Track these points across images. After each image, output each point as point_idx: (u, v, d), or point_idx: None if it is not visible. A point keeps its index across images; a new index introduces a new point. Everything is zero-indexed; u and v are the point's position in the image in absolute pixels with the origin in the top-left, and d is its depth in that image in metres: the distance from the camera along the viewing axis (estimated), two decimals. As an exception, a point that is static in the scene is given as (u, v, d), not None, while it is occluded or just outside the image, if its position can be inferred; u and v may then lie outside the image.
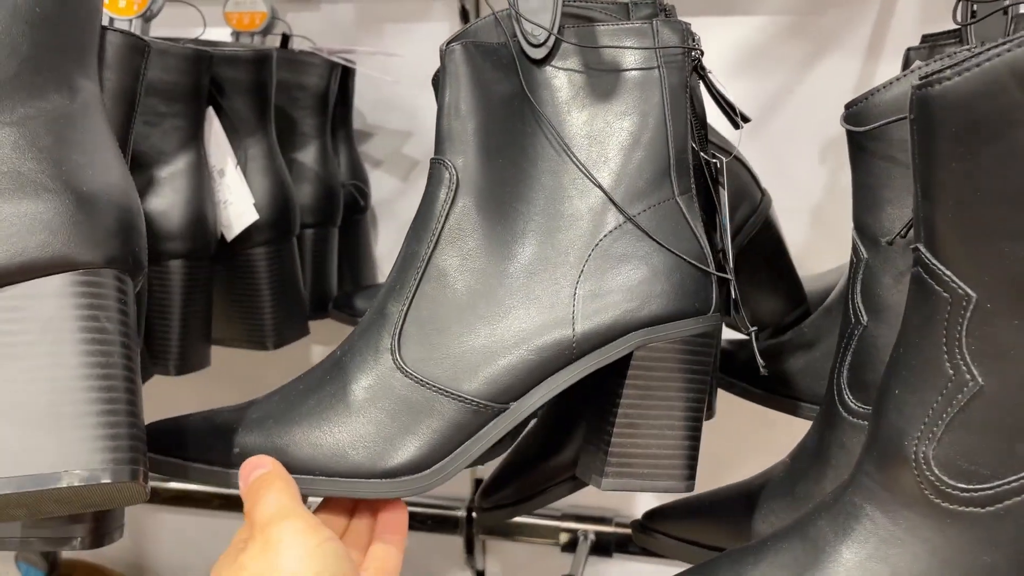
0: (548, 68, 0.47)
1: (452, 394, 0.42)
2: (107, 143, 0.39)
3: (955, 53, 0.43)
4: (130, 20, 0.63)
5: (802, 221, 0.82)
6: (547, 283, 0.44)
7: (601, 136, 0.46)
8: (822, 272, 0.71)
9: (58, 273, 0.35)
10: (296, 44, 0.83)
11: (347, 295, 0.78)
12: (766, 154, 0.82)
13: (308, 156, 0.76)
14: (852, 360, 0.46)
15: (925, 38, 0.58)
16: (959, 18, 0.53)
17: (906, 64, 0.57)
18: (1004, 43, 0.34)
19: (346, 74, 0.82)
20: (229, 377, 0.76)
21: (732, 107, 0.50)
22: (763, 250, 0.62)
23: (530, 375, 0.42)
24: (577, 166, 0.45)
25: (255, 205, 0.65)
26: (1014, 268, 0.33)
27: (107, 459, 0.32)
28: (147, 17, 0.64)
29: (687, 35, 0.47)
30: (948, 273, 0.35)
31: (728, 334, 0.68)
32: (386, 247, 0.92)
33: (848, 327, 0.47)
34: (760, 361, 0.47)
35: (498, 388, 0.42)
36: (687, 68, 0.47)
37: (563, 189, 0.46)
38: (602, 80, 0.47)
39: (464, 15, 0.85)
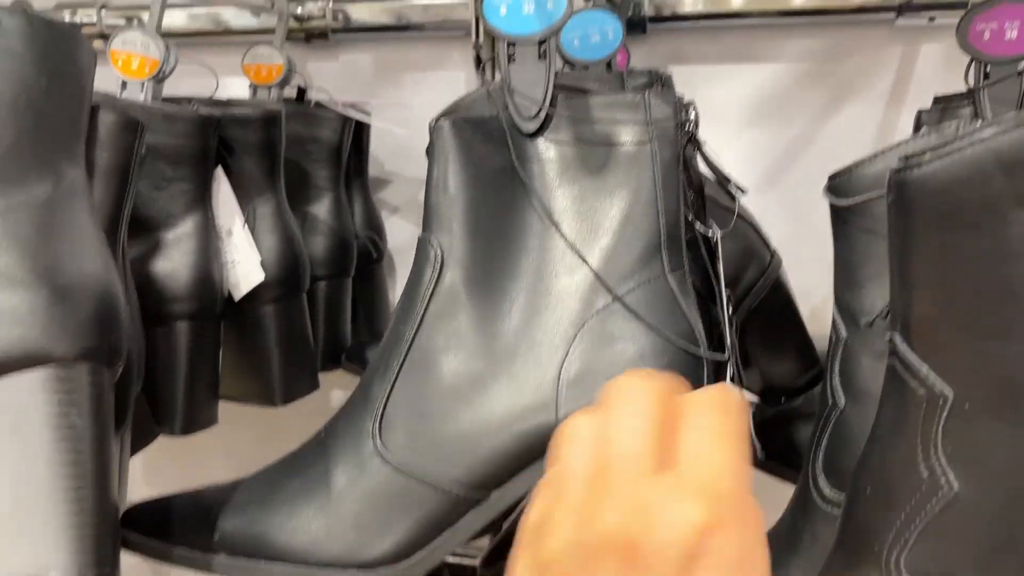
0: (539, 141, 0.46)
1: (431, 484, 0.41)
2: (88, 231, 0.39)
3: (949, 126, 0.42)
4: (143, 83, 0.64)
5: (821, 272, 0.79)
6: (532, 365, 0.43)
7: (590, 212, 0.45)
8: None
9: (32, 367, 0.35)
10: (314, 92, 0.84)
11: (359, 347, 0.78)
12: (784, 204, 0.80)
13: (321, 209, 0.77)
14: (828, 444, 0.45)
15: (937, 99, 0.56)
16: (971, 81, 0.51)
17: (917, 127, 0.56)
18: (992, 125, 0.33)
19: (361, 125, 0.82)
20: (238, 428, 0.76)
21: (727, 180, 0.49)
22: (773, 312, 0.60)
23: (511, 464, 0.42)
24: (565, 243, 0.45)
25: (262, 264, 0.65)
26: (995, 368, 0.32)
27: (71, 562, 0.32)
28: (159, 79, 0.65)
29: (680, 108, 0.46)
30: (924, 368, 0.33)
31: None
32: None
33: (825, 408, 0.45)
34: (756, 443, 0.46)
35: (478, 478, 0.42)
36: (680, 142, 0.46)
37: (551, 266, 0.45)
38: (593, 154, 0.46)
39: (479, 63, 0.85)
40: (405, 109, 0.84)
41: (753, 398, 0.66)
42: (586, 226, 0.45)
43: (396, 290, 0.91)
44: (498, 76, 0.51)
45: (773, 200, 0.80)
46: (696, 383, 0.45)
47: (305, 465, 0.43)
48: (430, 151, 0.47)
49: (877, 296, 0.43)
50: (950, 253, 0.31)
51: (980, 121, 0.39)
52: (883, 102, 0.76)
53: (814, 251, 0.81)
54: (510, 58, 0.46)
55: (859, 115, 0.76)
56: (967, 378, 0.32)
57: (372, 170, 0.88)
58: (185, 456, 0.80)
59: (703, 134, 0.80)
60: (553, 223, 0.45)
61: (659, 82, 0.48)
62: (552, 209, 0.45)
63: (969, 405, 0.32)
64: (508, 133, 0.47)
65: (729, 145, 0.81)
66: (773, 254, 0.61)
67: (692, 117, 0.47)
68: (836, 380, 0.46)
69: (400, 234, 0.90)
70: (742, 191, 0.51)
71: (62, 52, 0.40)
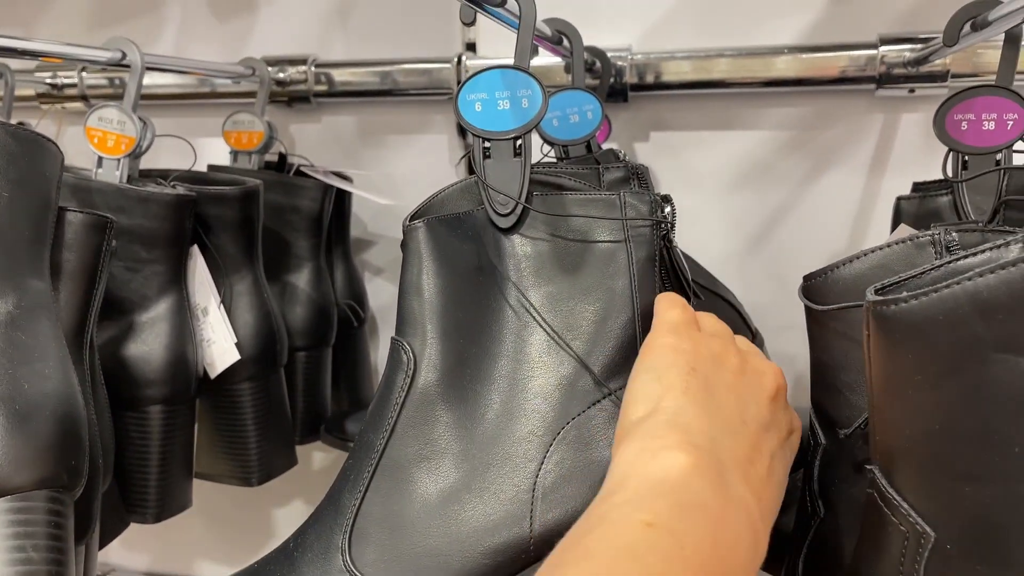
0: (515, 237, 0.46)
1: None
2: (50, 348, 0.38)
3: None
4: (118, 159, 0.64)
5: (804, 339, 0.79)
6: (506, 475, 0.42)
7: (568, 311, 0.45)
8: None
9: (-13, 499, 0.34)
10: (295, 159, 0.83)
11: (339, 418, 0.77)
12: (766, 269, 0.80)
13: (301, 279, 0.76)
14: (807, 553, 0.44)
15: (916, 187, 0.56)
16: (949, 171, 0.51)
17: (896, 214, 0.55)
18: (968, 262, 0.32)
19: (342, 191, 0.82)
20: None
21: (688, 283, 0.49)
22: (755, 394, 0.59)
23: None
24: (548, 333, 0.44)
25: (238, 344, 0.64)
26: (977, 511, 0.31)
27: None
28: (135, 155, 0.65)
29: (656, 206, 0.46)
30: (904, 506, 0.32)
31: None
32: (385, 356, 0.91)
33: (804, 516, 0.44)
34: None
35: None
36: (656, 241, 0.46)
37: (528, 366, 0.44)
38: (569, 251, 0.45)
39: (462, 129, 0.85)
40: (387, 177, 0.84)
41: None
42: (568, 321, 0.44)
43: (378, 353, 0.90)
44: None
45: (756, 266, 0.80)
46: None
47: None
48: (404, 251, 0.47)
49: (855, 404, 0.42)
50: (928, 392, 0.31)
51: (950, 238, 0.38)
52: (864, 170, 0.76)
53: (798, 316, 0.81)
54: (485, 154, 0.45)
55: (841, 182, 0.76)
56: (949, 519, 0.31)
57: (355, 231, 0.87)
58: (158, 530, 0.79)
59: (686, 201, 0.80)
60: (533, 317, 0.45)
61: (635, 176, 0.47)
62: (533, 303, 0.45)
63: (951, 547, 0.31)
64: (484, 229, 0.46)
65: (711, 211, 0.80)
66: (756, 333, 0.60)
67: (667, 213, 0.46)
68: (815, 487, 0.45)
69: (382, 295, 0.89)
70: (699, 297, 0.51)
71: (26, 162, 0.39)
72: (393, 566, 0.40)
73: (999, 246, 0.32)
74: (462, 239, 0.46)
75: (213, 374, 0.64)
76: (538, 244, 0.46)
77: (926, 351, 0.30)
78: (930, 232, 0.39)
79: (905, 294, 0.30)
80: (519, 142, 0.46)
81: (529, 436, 0.43)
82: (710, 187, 0.80)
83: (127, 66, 0.62)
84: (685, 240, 0.79)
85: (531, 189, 0.46)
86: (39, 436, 0.35)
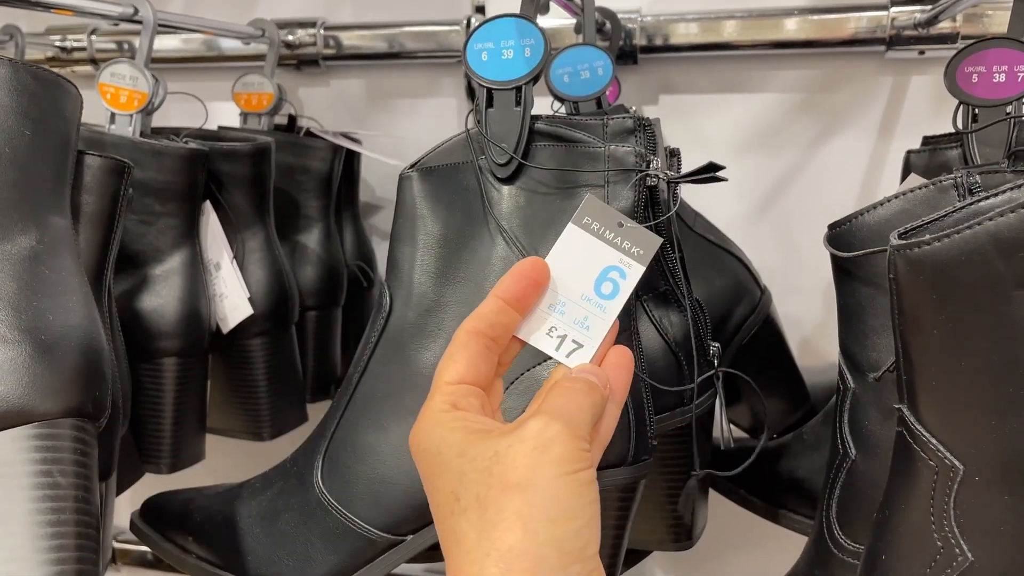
0: (511, 186, 0.47)
1: (354, 522, 0.44)
2: (73, 282, 0.39)
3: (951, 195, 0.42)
4: (131, 115, 0.64)
5: (813, 302, 0.80)
6: None
7: None
8: (832, 363, 0.69)
9: (14, 426, 0.34)
10: (304, 121, 0.83)
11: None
12: (775, 232, 0.80)
13: (311, 239, 0.76)
14: (841, 494, 0.44)
15: (926, 140, 0.56)
16: (959, 123, 0.51)
17: (906, 167, 0.56)
18: (988, 199, 0.32)
19: (352, 153, 0.82)
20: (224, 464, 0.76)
21: (675, 241, 0.49)
22: (763, 349, 0.60)
23: (426, 510, 0.43)
24: None
25: (251, 299, 0.65)
26: (1003, 442, 0.31)
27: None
28: (148, 111, 0.65)
29: (642, 158, 0.45)
30: (933, 441, 0.33)
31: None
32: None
33: (836, 458, 0.45)
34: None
35: (394, 520, 0.44)
36: (638, 192, 0.45)
37: None
38: (556, 202, 0.46)
39: (471, 91, 0.85)
40: (396, 138, 0.84)
41: (742, 434, 0.66)
42: None
43: (387, 317, 0.91)
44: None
45: (765, 228, 0.80)
46: (619, 454, 0.44)
47: (267, 487, 0.47)
48: (397, 199, 0.48)
49: (883, 348, 0.43)
50: (953, 331, 0.31)
51: (972, 180, 0.39)
52: (873, 132, 0.76)
53: (805, 279, 0.81)
54: (489, 102, 0.46)
55: (849, 145, 0.77)
56: (976, 452, 0.32)
57: (363, 195, 0.88)
58: (172, 482, 0.80)
59: (695, 163, 0.81)
60: (523, 251, 0.45)
61: (641, 128, 0.47)
62: (517, 252, 0.46)
63: (980, 478, 0.32)
64: (481, 178, 0.47)
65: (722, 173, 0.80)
66: (763, 290, 0.61)
67: (657, 166, 0.46)
68: (846, 430, 0.45)
69: (391, 260, 0.90)
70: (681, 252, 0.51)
71: (47, 102, 0.39)
72: (351, 488, 0.45)
73: (1019, 186, 0.32)
74: (456, 188, 0.47)
75: (226, 329, 0.65)
76: (530, 194, 0.46)
77: (950, 291, 0.31)
78: (952, 175, 0.39)
79: (927, 236, 0.31)
80: (520, 92, 0.46)
81: None
82: (719, 150, 0.80)
83: (139, 21, 0.62)
84: (695, 203, 0.79)
85: (532, 139, 0.46)
86: (64, 366, 0.36)
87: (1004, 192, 0.32)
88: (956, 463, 0.32)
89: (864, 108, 0.76)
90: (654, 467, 0.45)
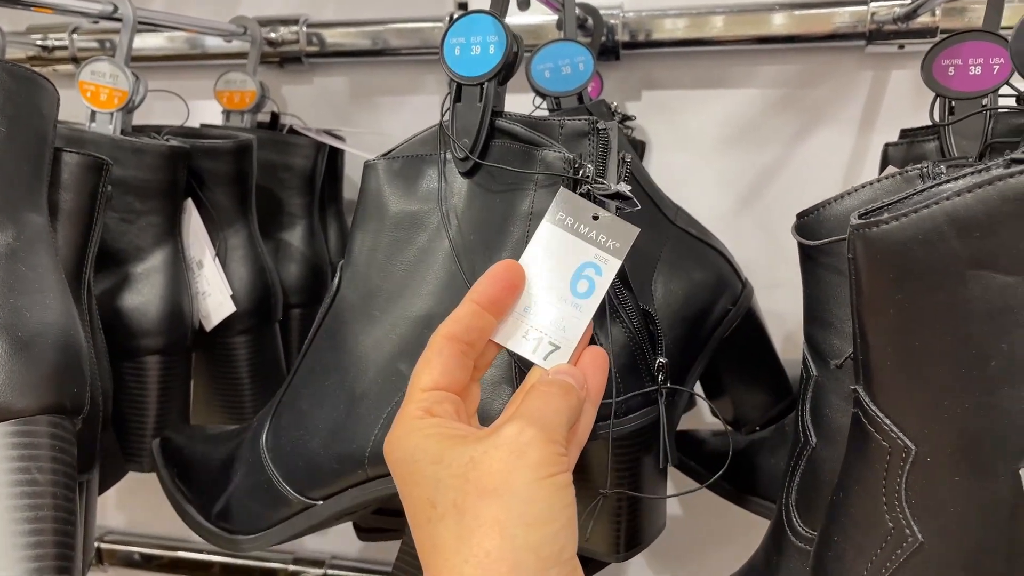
0: (466, 182, 0.47)
1: (279, 482, 0.48)
2: (50, 279, 0.39)
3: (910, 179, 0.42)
4: (111, 113, 0.64)
5: (796, 296, 0.79)
6: (374, 396, 0.46)
7: (484, 258, 0.46)
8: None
9: (-10, 423, 0.34)
10: (287, 118, 0.83)
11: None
12: (758, 226, 0.80)
13: (295, 236, 0.76)
14: (800, 482, 0.45)
15: (904, 133, 0.56)
16: (936, 116, 0.52)
17: (884, 159, 0.56)
18: (948, 182, 0.33)
19: (335, 150, 0.82)
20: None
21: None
22: (745, 342, 0.60)
23: (334, 481, 0.47)
24: (463, 279, 0.46)
25: (233, 296, 0.65)
26: (956, 424, 0.32)
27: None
28: (128, 109, 0.65)
29: (577, 164, 0.45)
30: (887, 422, 0.33)
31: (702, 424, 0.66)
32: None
33: (797, 446, 0.45)
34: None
35: (308, 485, 0.47)
36: (568, 195, 0.45)
37: (440, 304, 0.46)
38: (498, 200, 0.47)
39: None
40: (380, 135, 0.84)
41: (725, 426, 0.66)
42: (472, 270, 0.46)
43: (372, 314, 0.91)
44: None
45: (747, 222, 0.81)
46: None
47: (236, 436, 0.53)
48: (360, 187, 0.49)
49: (846, 335, 0.43)
50: (908, 311, 0.32)
51: (938, 171, 0.39)
52: (854, 126, 0.76)
53: (788, 274, 0.81)
54: (457, 96, 0.46)
55: (831, 139, 0.77)
56: (928, 433, 0.32)
57: (347, 193, 0.88)
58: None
59: (678, 158, 0.81)
60: (455, 259, 0.46)
61: (595, 132, 0.47)
62: (456, 246, 0.46)
63: (931, 459, 0.32)
64: (442, 170, 0.47)
65: (704, 168, 0.81)
66: (745, 283, 0.61)
67: (590, 172, 0.45)
68: (807, 418, 0.46)
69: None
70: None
71: (23, 99, 0.39)
72: (282, 450, 0.49)
73: (980, 171, 0.33)
74: (418, 178, 0.48)
75: (209, 326, 0.65)
76: (483, 190, 0.47)
77: (906, 270, 0.31)
78: (919, 166, 0.40)
79: (885, 216, 0.31)
80: (483, 88, 0.46)
81: (403, 369, 0.46)
82: (702, 145, 0.81)
83: (119, 19, 0.62)
84: (678, 198, 0.79)
85: (493, 136, 0.47)
86: (41, 363, 0.36)
87: (965, 176, 0.32)
88: (909, 444, 0.32)
89: (845, 102, 0.76)
90: (582, 475, 0.46)
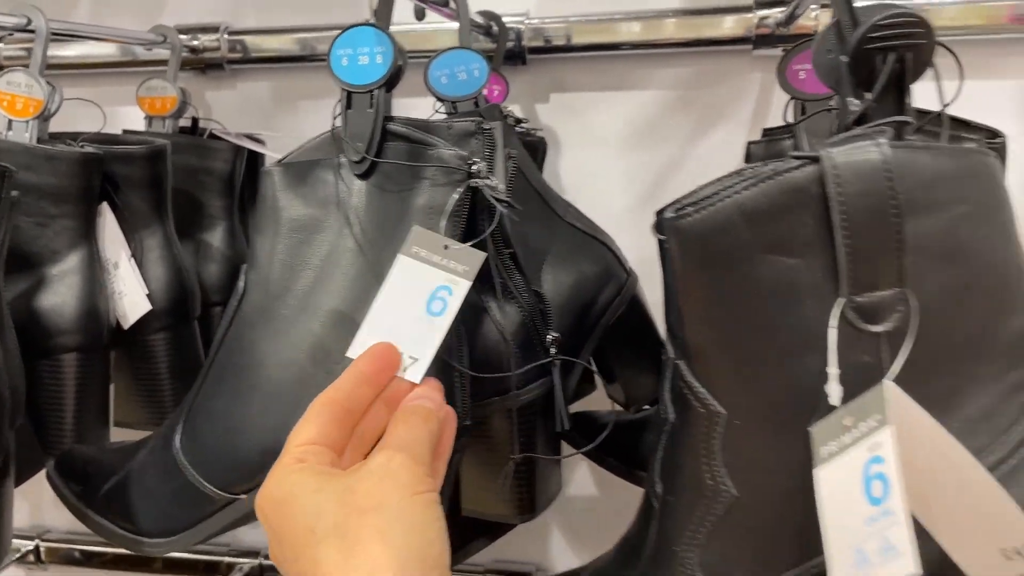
0: (362, 183, 0.51)
1: (199, 481, 0.49)
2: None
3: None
4: (27, 122, 0.66)
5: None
6: (281, 392, 0.49)
7: (385, 257, 0.48)
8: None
9: None
10: (208, 123, 0.86)
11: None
12: (661, 222, 0.85)
13: (215, 237, 0.79)
14: (663, 455, 0.49)
15: (765, 132, 0.61)
16: (789, 116, 0.56)
17: (747, 157, 0.61)
18: (736, 177, 0.37)
19: (255, 154, 0.85)
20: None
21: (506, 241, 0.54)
22: (631, 328, 0.65)
23: (257, 474, 0.47)
24: (368, 278, 0.49)
25: (150, 295, 0.67)
26: (757, 390, 0.36)
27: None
28: (44, 117, 0.67)
29: (467, 161, 0.49)
30: (702, 391, 0.38)
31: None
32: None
33: (661, 423, 0.50)
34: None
35: (230, 480, 0.49)
36: (457, 194, 0.49)
37: (345, 302, 0.49)
38: (394, 199, 0.50)
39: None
40: (298, 138, 0.87)
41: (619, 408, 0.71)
42: (374, 272, 0.49)
43: (299, 311, 0.94)
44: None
45: (649, 218, 0.85)
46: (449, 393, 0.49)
47: (143, 446, 0.55)
48: (258, 193, 0.52)
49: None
50: (712, 291, 0.36)
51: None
52: (746, 125, 0.81)
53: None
54: (348, 104, 0.50)
55: (725, 137, 0.82)
56: (736, 399, 0.37)
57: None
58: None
59: (586, 158, 0.85)
60: (360, 258, 0.49)
61: (480, 132, 0.51)
62: (359, 247, 0.50)
63: (740, 422, 0.37)
64: (338, 173, 0.51)
65: (610, 168, 0.85)
66: (630, 273, 0.65)
67: (481, 168, 0.49)
68: (667, 397, 0.50)
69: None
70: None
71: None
72: (199, 450, 0.51)
73: (766, 164, 0.37)
74: (314, 182, 0.51)
75: (126, 325, 0.68)
76: (380, 191, 0.50)
77: (708, 255, 0.36)
78: (753, 165, 0.44)
79: (689, 208, 0.36)
80: (373, 96, 0.50)
81: (319, 363, 0.48)
82: (608, 145, 0.85)
83: (32, 31, 0.65)
84: (587, 195, 0.84)
85: (386, 139, 0.51)
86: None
87: (750, 173, 0.36)
88: (720, 409, 0.37)
89: (736, 103, 0.81)
90: (489, 444, 0.50)
